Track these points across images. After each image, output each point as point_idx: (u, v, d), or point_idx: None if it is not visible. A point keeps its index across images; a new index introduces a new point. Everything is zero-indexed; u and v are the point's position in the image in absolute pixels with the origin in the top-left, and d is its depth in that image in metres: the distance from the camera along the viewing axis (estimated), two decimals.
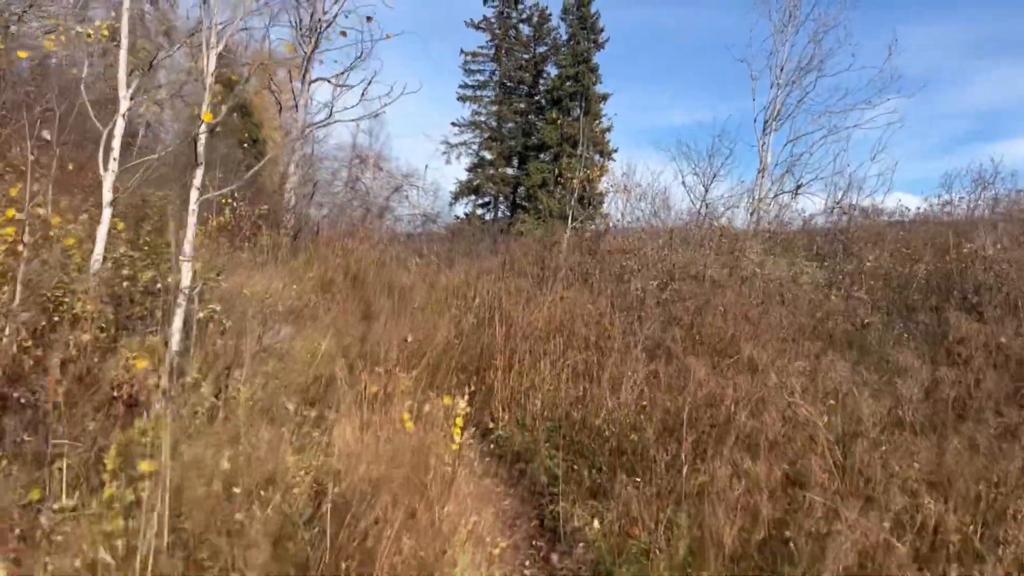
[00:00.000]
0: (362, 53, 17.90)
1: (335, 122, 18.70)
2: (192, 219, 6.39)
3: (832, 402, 5.40)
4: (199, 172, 6.37)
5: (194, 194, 6.36)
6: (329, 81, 18.72)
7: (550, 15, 38.84)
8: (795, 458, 4.54)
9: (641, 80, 57.58)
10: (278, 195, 17.14)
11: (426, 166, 41.89)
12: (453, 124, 38.51)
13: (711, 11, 55.30)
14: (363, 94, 17.82)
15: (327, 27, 18.12)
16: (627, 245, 11.22)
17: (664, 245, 11.22)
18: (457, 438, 4.82)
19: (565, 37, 37.66)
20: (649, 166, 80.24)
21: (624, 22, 55.69)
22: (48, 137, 6.53)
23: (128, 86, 7.03)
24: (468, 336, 8.55)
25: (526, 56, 39.00)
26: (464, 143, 38.36)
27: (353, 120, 18.04)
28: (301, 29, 17.87)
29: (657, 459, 4.93)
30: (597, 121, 36.77)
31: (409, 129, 63.19)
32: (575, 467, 5.89)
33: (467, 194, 37.72)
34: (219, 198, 13.94)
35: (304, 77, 17.36)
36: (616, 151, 37.27)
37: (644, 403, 5.88)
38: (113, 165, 6.77)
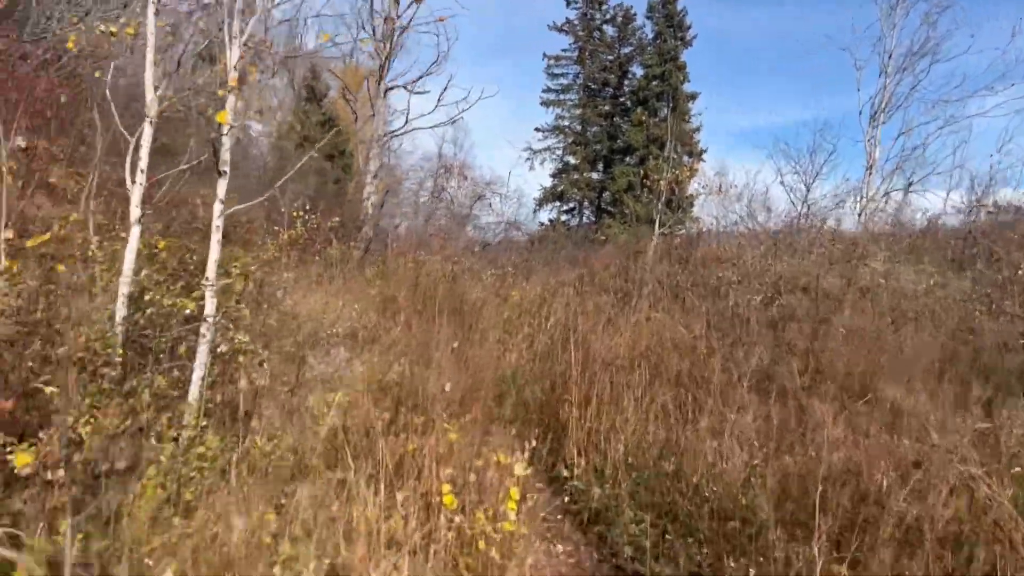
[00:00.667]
0: (438, 57, 17.06)
1: (412, 129, 17.87)
2: (216, 236, 5.46)
3: (1019, 469, 3.98)
4: (222, 184, 5.43)
5: (217, 208, 5.43)
6: (405, 88, 17.92)
7: (635, 15, 37.40)
8: (976, 558, 3.21)
9: (732, 80, 55.31)
10: (355, 206, 16.38)
11: (509, 173, 41.10)
12: (537, 129, 37.51)
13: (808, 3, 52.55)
14: (439, 99, 17.03)
15: (402, 32, 17.34)
16: (724, 253, 9.86)
17: (767, 252, 9.78)
18: (512, 514, 3.70)
19: (651, 36, 36.15)
20: (743, 166, 77.16)
21: (713, 20, 53.57)
22: (23, 144, 5.68)
23: (156, 88, 6.08)
24: (540, 362, 7.42)
25: (610, 57, 37.65)
26: (548, 148, 37.28)
27: (430, 127, 17.12)
28: (376, 35, 17.12)
29: (776, 544, 3.67)
30: (685, 121, 35.11)
31: (492, 137, 62.59)
32: (667, 535, 4.65)
33: (551, 200, 36.60)
34: (291, 211, 13.26)
35: (380, 84, 16.59)
36: (706, 152, 35.48)
37: (755, 461, 4.58)
38: (141, 178, 5.85)
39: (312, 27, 44.23)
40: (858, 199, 19.48)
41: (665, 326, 7.23)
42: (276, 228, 13.26)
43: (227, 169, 5.43)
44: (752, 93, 53.07)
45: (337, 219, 13.26)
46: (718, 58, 53.68)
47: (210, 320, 5.28)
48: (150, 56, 6.12)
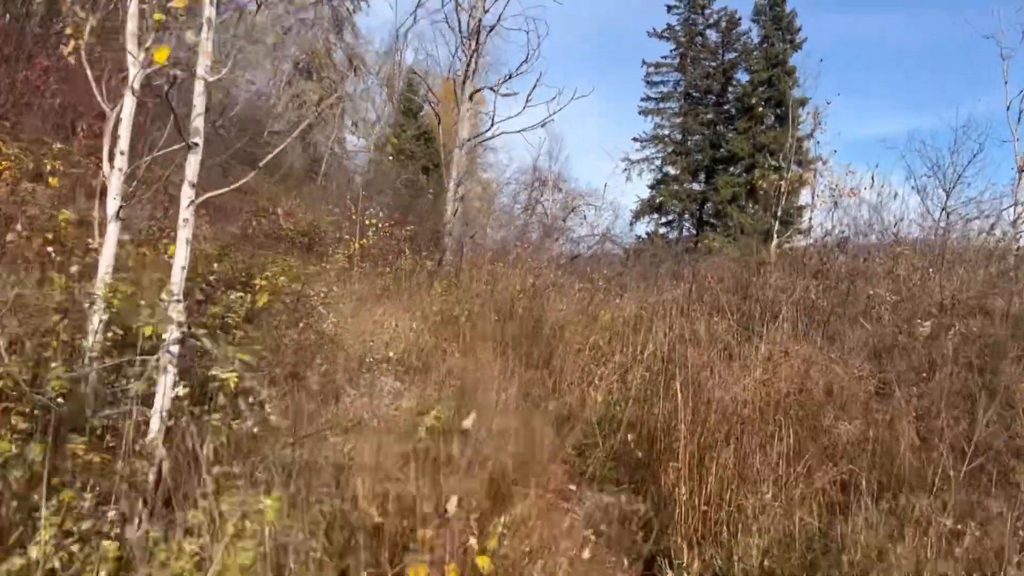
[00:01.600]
0: (528, 55, 15.44)
1: (499, 133, 16.28)
2: (184, 234, 3.89)
3: None
4: (192, 161, 3.86)
5: (187, 193, 3.87)
6: (492, 90, 16.39)
7: (739, 19, 34.88)
8: None
9: (850, 86, 51.54)
10: (438, 217, 14.91)
11: (605, 184, 39.10)
12: (634, 139, 35.42)
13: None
14: (528, 98, 15.40)
15: (490, 30, 15.83)
16: (870, 266, 7.75)
17: (932, 265, 7.59)
18: None
19: (757, 40, 33.61)
20: (863, 173, 72.15)
21: (827, 26, 50.26)
22: None
23: (142, 45, 4.44)
24: (636, 404, 5.61)
25: (713, 63, 35.27)
26: (646, 159, 35.15)
27: (518, 131, 15.40)
28: (461, 33, 15.66)
29: None
30: (795, 128, 32.37)
31: (588, 148, 60.74)
32: None
33: (649, 212, 34.42)
34: (366, 219, 11.88)
35: (464, 85, 15.11)
36: (820, 160, 32.55)
37: None
38: (121, 161, 4.30)
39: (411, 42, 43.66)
40: (1012, 206, 16.62)
41: (811, 362, 5.26)
42: (347, 237, 11.94)
43: (199, 141, 3.86)
44: (873, 97, 49.09)
45: (410, 228, 11.78)
46: (832, 60, 50.30)
47: (173, 350, 3.72)
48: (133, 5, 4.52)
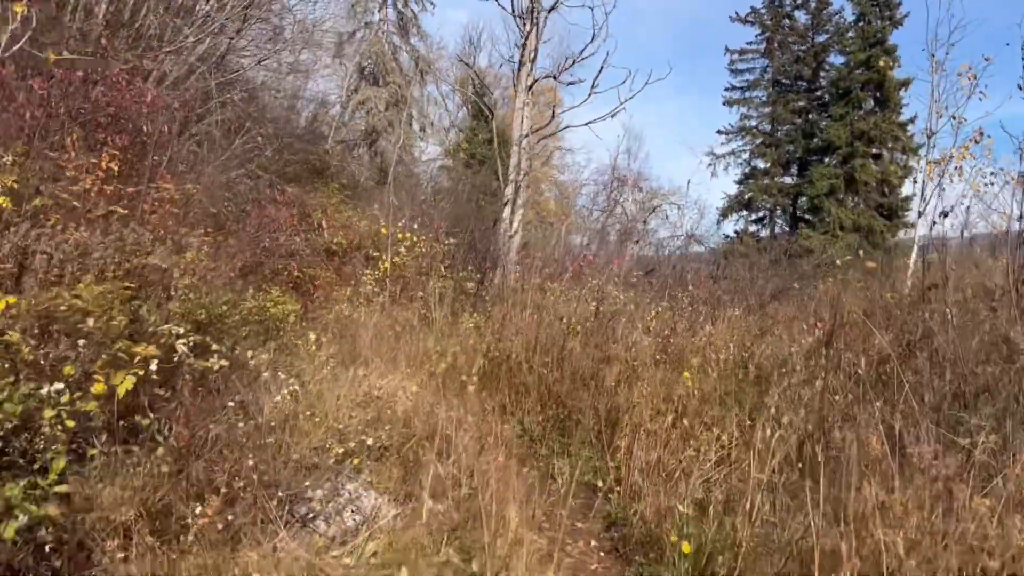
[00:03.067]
0: (593, 35, 12.91)
1: (564, 128, 13.86)
2: None
3: None
4: None
5: None
6: (554, 78, 13.94)
7: None
8: None
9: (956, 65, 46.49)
10: (489, 225, 12.54)
11: (688, 181, 36.14)
12: (719, 132, 32.21)
13: None
14: (594, 84, 12.89)
15: (550, 9, 13.37)
16: None
17: None
18: None
19: (852, 18, 29.95)
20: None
21: None
22: None
23: None
24: (767, 553, 3.13)
25: (803, 47, 31.71)
26: (732, 152, 31.89)
27: (586, 123, 12.91)
28: (515, 12, 13.27)
29: None
30: (897, 111, 28.62)
31: (670, 145, 57.36)
32: None
33: (737, 209, 31.16)
34: (398, 232, 9.64)
35: (520, 74, 12.74)
36: (979, 134, 28.66)
37: None
38: None
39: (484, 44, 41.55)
40: None
41: None
42: (376, 254, 9.76)
43: None
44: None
45: (451, 241, 9.44)
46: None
47: None
48: None
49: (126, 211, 7.95)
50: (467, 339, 6.42)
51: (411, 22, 29.95)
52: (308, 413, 4.06)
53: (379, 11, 29.45)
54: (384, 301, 7.96)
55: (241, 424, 3.75)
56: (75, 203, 7.13)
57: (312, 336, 4.92)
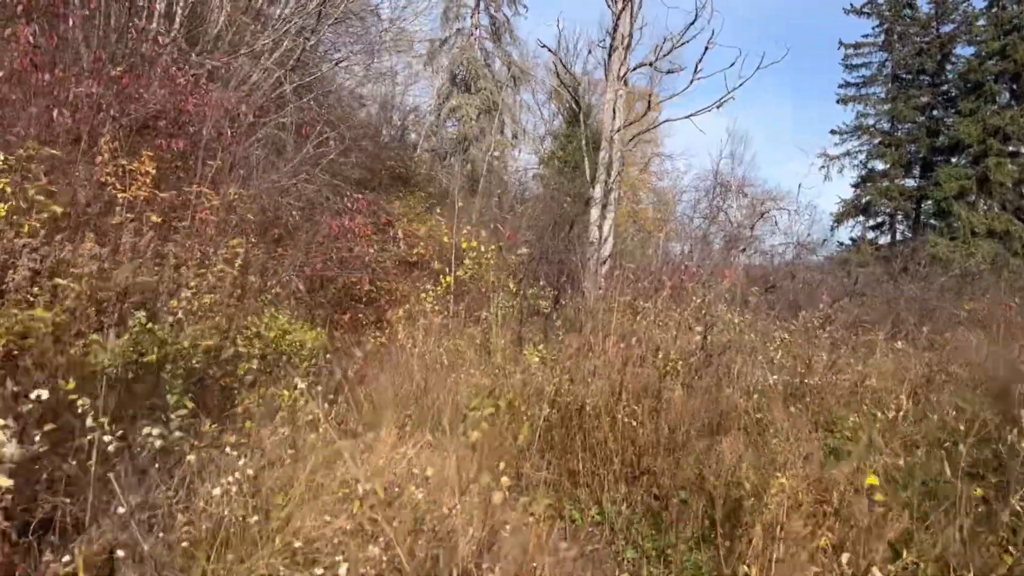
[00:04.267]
0: (696, 14, 11.10)
1: (662, 122, 12.14)
2: None
3: None
4: None
5: None
6: (651, 65, 12.18)
7: None
8: None
9: None
10: (581, 233, 10.89)
11: (799, 185, 33.34)
12: (833, 132, 29.37)
13: None
14: (697, 68, 11.06)
15: None
16: None
17: None
18: None
19: (983, 3, 26.66)
20: None
21: None
22: None
23: None
24: None
25: (926, 38, 28.51)
26: (847, 153, 28.97)
27: (687, 116, 11.07)
28: None
29: None
30: None
31: (778, 148, 54.01)
32: None
33: (853, 214, 28.23)
34: (463, 241, 8.17)
35: (610, 61, 11.08)
36: None
37: None
38: None
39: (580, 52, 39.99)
40: None
41: None
42: (439, 266, 8.32)
43: None
44: None
45: (524, 250, 7.87)
46: None
47: None
48: None
49: (159, 219, 6.81)
50: (531, 376, 4.83)
51: (503, 27, 28.71)
52: (257, 518, 2.59)
53: (471, 17, 28.36)
54: (442, 322, 6.49)
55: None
56: (86, 209, 6.01)
57: (300, 385, 3.49)
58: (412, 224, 13.07)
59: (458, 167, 25.73)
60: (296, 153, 11.47)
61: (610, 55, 11.10)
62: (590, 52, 31.36)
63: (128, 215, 5.74)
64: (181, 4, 11.64)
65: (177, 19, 11.48)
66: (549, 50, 11.07)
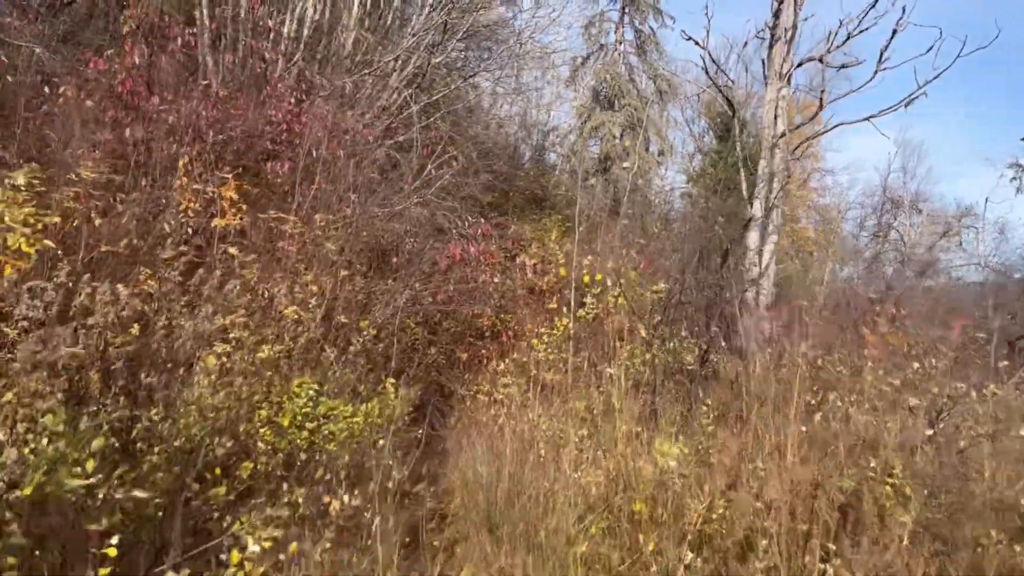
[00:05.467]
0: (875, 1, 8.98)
1: (834, 126, 10.10)
2: None
3: None
4: None
5: None
6: (820, 60, 10.12)
7: None
8: None
9: None
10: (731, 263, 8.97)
11: (986, 200, 29.13)
12: None
13: None
14: (882, 56, 8.92)
15: None
16: None
17: None
18: None
19: None
20: None
21: None
22: None
23: None
24: None
25: None
26: None
27: (866, 118, 8.96)
28: None
29: None
30: None
31: (958, 160, 48.28)
32: None
33: None
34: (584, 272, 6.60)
35: (770, 55, 9.17)
36: None
37: None
38: None
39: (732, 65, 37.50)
40: None
41: None
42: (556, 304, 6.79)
43: None
44: None
45: (662, 285, 6.16)
46: None
47: None
48: None
49: (236, 251, 5.77)
50: (667, 477, 3.19)
51: (649, 40, 26.93)
52: None
53: (615, 31, 26.85)
54: (554, 378, 4.95)
55: None
56: (134, 243, 5.03)
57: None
58: (545, 249, 11.74)
59: (599, 187, 24.20)
60: (418, 175, 10.46)
61: (771, 48, 9.20)
62: (746, 45, 28.74)
63: (182, 247, 4.69)
64: (306, 24, 11.02)
65: (303, 39, 10.85)
66: (697, 43, 9.32)
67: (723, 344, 5.37)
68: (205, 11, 9.07)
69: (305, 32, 11.21)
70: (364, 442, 3.68)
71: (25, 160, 5.08)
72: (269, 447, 3.23)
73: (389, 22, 13.68)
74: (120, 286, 3.82)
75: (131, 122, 6.78)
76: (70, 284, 3.72)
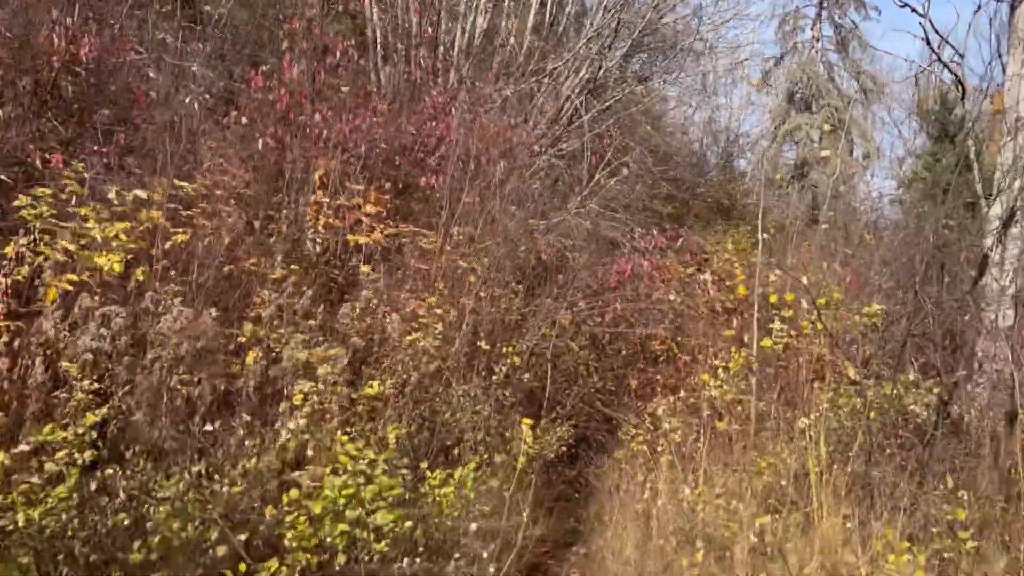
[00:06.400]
0: None
1: None
2: None
3: None
4: None
5: None
6: None
7: None
8: None
9: None
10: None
11: None
12: None
13: None
14: None
15: None
16: None
17: None
18: None
19: None
20: None
21: None
22: None
23: None
24: None
25: None
26: None
27: None
28: None
29: None
30: None
31: None
32: None
33: None
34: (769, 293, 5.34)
35: (1014, 17, 7.33)
36: None
37: None
38: None
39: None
40: None
41: None
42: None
43: None
44: None
45: (877, 306, 4.73)
46: None
47: None
48: None
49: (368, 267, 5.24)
50: None
51: (851, 35, 24.26)
52: None
53: (811, 28, 24.46)
54: (730, 427, 3.84)
55: None
56: (249, 265, 4.59)
57: None
58: (728, 263, 10.48)
59: (795, 195, 21.96)
60: (586, 185, 9.69)
61: (1012, 11, 7.36)
62: (979, 10, 24.91)
63: (292, 267, 4.16)
64: (476, 35, 10.63)
65: (472, 50, 10.48)
66: (914, 11, 7.65)
67: (967, 388, 3.91)
68: (376, 25, 8.93)
69: (475, 42, 10.83)
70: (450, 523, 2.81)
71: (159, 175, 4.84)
72: (297, 542, 2.45)
73: (562, 28, 13.03)
74: (212, 310, 3.27)
75: (290, 139, 6.56)
76: (157, 309, 3.21)
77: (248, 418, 2.87)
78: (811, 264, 6.11)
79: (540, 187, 8.94)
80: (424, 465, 3.12)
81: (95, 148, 5.49)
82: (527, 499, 3.28)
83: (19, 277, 3.11)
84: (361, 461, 2.62)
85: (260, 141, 5.31)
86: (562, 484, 5.71)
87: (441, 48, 10.30)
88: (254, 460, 2.63)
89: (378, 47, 9.09)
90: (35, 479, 2.21)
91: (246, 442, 2.75)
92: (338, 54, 8.14)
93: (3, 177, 4.70)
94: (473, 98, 9.41)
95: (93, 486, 2.22)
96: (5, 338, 2.71)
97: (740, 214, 17.04)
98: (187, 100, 6.48)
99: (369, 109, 7.59)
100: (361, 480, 2.58)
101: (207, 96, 6.88)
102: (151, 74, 5.82)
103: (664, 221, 11.18)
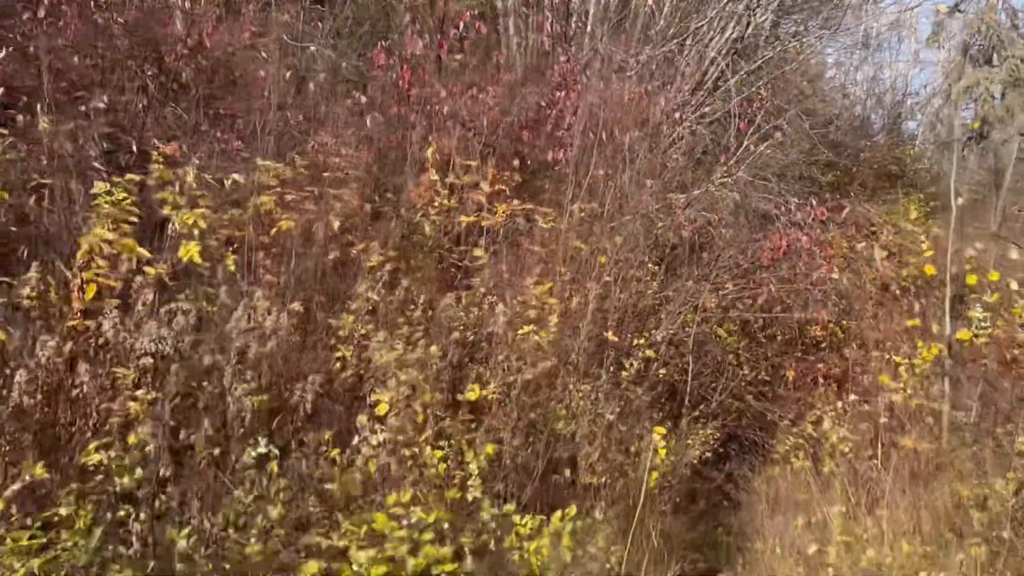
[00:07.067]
0: None
1: None
2: None
3: None
4: None
5: None
6: None
7: None
8: None
9: None
10: None
11: None
12: None
13: None
14: None
15: None
16: None
17: None
18: None
19: None
20: None
21: None
22: None
23: None
24: None
25: None
26: None
27: None
28: None
29: None
30: None
31: None
32: None
33: None
34: None
35: None
36: None
37: None
38: None
39: None
40: None
41: None
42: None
43: None
44: None
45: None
46: None
47: None
48: None
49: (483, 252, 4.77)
50: None
51: None
52: None
53: None
54: (917, 443, 3.01)
55: None
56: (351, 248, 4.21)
57: None
58: (902, 236, 9.24)
59: (974, 158, 19.27)
60: (735, 153, 8.83)
61: None
62: None
63: (389, 252, 3.71)
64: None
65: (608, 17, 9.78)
66: None
67: None
68: None
69: (611, 5, 10.11)
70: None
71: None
72: None
73: None
74: (296, 305, 2.88)
75: (412, 116, 6.24)
76: (238, 307, 2.87)
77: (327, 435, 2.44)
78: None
79: (679, 157, 8.18)
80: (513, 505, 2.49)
81: (216, 134, 5.38)
82: (657, 527, 2.66)
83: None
84: (403, 521, 2.06)
85: (368, 118, 4.91)
86: (708, 491, 5.05)
87: (575, 16, 9.69)
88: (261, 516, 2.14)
89: (509, 16, 8.62)
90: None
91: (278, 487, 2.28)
92: (462, 26, 7.73)
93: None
94: (606, 65, 8.73)
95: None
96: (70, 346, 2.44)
97: (911, 182, 15.44)
98: (308, 84, 6.30)
99: (494, 82, 7.13)
100: (405, 549, 2.04)
101: (328, 76, 6.66)
102: (269, 57, 5.62)
103: (824, 190, 10.07)
